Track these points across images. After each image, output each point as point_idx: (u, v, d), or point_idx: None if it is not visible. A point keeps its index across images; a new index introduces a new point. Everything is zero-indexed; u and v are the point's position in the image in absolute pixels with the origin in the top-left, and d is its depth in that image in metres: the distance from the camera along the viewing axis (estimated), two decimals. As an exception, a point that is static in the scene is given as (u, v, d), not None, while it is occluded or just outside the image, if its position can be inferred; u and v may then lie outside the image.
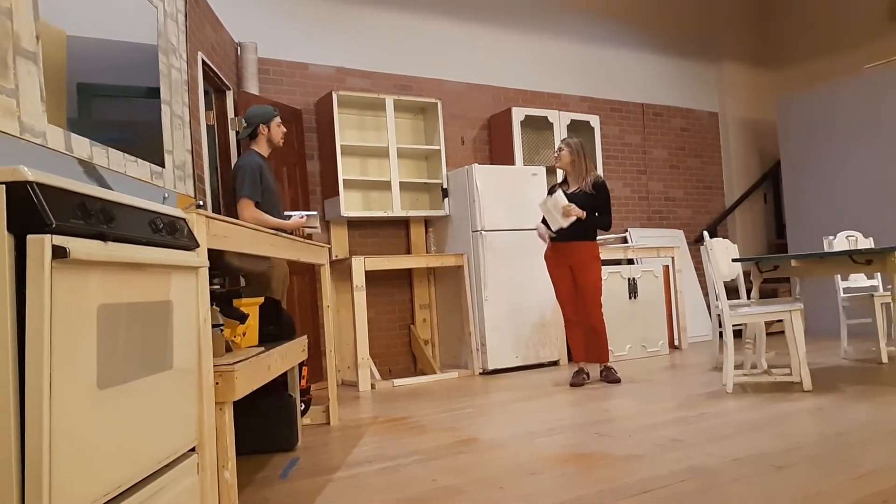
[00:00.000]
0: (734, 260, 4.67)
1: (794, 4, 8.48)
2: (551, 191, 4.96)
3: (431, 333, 6.11)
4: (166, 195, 2.79)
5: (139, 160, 2.60)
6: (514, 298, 5.74)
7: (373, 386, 5.26)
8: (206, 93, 4.44)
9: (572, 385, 4.75)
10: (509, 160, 6.30)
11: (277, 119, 4.18)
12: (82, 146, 2.20)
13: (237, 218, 3.95)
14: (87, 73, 2.39)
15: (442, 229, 6.05)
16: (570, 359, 6.02)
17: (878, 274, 5.30)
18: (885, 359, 4.94)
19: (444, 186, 5.92)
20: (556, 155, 4.93)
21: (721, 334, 4.93)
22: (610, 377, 4.81)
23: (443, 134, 5.98)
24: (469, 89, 6.55)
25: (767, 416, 3.41)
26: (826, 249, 5.18)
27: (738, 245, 6.36)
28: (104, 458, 1.31)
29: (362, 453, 3.15)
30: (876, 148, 6.68)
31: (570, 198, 4.73)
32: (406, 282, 6.09)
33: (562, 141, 4.94)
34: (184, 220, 1.84)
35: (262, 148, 4.15)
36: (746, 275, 5.20)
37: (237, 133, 4.90)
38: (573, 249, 4.80)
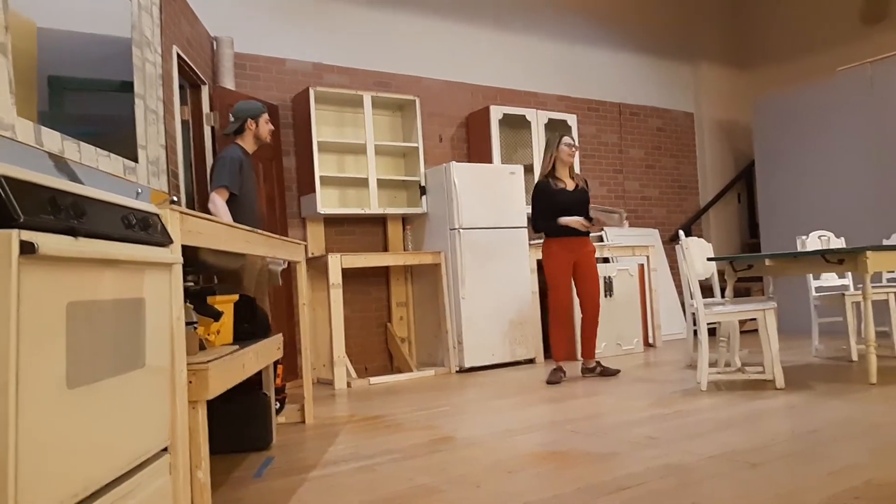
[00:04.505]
0: (709, 259, 4.71)
1: (769, 7, 8.58)
2: (544, 186, 4.90)
3: (408, 331, 6.10)
4: (139, 191, 2.75)
5: (112, 155, 2.55)
6: (491, 297, 5.74)
7: (348, 384, 5.23)
8: (181, 87, 4.38)
9: (549, 383, 4.76)
10: (487, 158, 6.30)
11: (266, 115, 4.21)
12: (53, 140, 2.15)
13: (208, 208, 3.94)
14: (59, 66, 2.34)
15: (419, 227, 6.04)
16: (546, 356, 6.05)
17: (849, 273, 5.38)
18: (855, 357, 5.02)
19: (422, 184, 5.90)
20: (572, 150, 4.93)
21: (695, 332, 4.97)
22: (608, 371, 4.95)
23: (421, 131, 5.96)
24: (447, 87, 6.54)
25: (741, 413, 3.44)
26: (799, 249, 5.25)
27: (712, 244, 6.42)
28: (73, 458, 1.28)
29: (338, 452, 3.13)
30: (848, 149, 6.78)
31: (577, 194, 4.88)
32: (383, 280, 6.06)
33: (570, 138, 4.98)
34: (157, 215, 1.80)
35: (247, 144, 4.16)
36: (721, 274, 5.25)
37: (213, 128, 4.85)
38: (581, 244, 4.90)
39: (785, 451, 2.68)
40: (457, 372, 5.62)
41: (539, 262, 6.14)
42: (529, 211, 4.98)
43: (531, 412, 3.82)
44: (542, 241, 6.34)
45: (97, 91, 2.67)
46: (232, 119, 4.18)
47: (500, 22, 6.93)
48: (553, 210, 4.86)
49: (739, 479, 2.36)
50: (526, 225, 5.97)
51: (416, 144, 5.92)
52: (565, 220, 4.80)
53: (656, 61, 8.16)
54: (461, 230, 5.63)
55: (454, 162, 5.74)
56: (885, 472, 2.33)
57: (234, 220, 3.99)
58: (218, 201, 3.93)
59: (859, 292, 4.91)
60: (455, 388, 4.84)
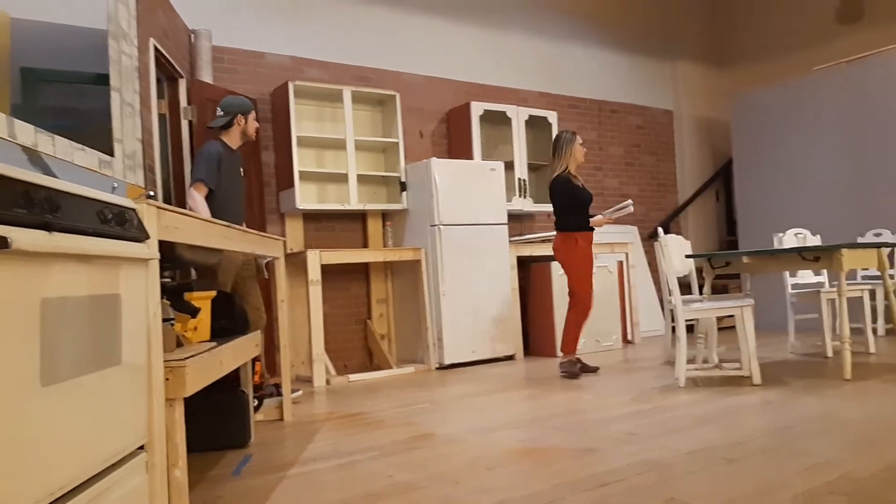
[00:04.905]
0: (687, 256, 4.75)
1: (748, 6, 8.65)
2: (569, 182, 4.93)
3: (388, 328, 6.08)
4: (115, 185, 2.70)
5: (87, 148, 2.51)
6: (472, 293, 5.74)
7: (328, 381, 5.21)
8: (157, 80, 4.32)
9: (572, 376, 4.79)
10: (468, 154, 6.29)
11: (254, 112, 4.26)
12: (26, 133, 2.11)
13: (186, 203, 3.94)
14: (33, 58, 2.30)
15: (400, 223, 6.02)
16: (526, 353, 6.06)
17: (825, 270, 5.44)
18: (830, 353, 5.09)
19: (402, 180, 5.89)
20: (586, 150, 5.07)
21: (674, 329, 5.01)
22: (588, 368, 4.99)
23: (401, 127, 5.94)
24: (428, 82, 6.52)
25: (718, 409, 3.47)
26: (776, 246, 5.30)
27: (690, 241, 6.47)
28: (48, 457, 1.25)
29: (317, 449, 3.12)
30: (824, 148, 6.86)
31: (588, 192, 4.98)
32: (363, 276, 6.04)
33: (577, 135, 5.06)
34: (133, 210, 1.78)
35: (232, 139, 4.19)
36: (699, 271, 5.29)
37: (190, 122, 4.80)
38: (592, 239, 5.00)
39: (761, 447, 2.70)
40: (437, 369, 5.61)
41: (520, 259, 6.16)
42: (552, 206, 5.01)
43: (511, 409, 3.83)
44: (521, 237, 6.37)
45: (72, 83, 2.62)
46: (221, 113, 4.15)
47: (482, 18, 6.92)
48: (579, 206, 4.90)
49: (717, 474, 2.38)
50: (506, 221, 5.97)
51: (396, 140, 5.90)
52: (597, 220, 4.92)
53: (636, 59, 8.20)
54: (441, 226, 5.62)
55: (434, 158, 5.72)
56: (859, 467, 2.36)
57: (213, 216, 3.97)
58: (196, 196, 3.91)
59: (834, 289, 4.98)
60: (435, 385, 4.83)
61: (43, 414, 1.25)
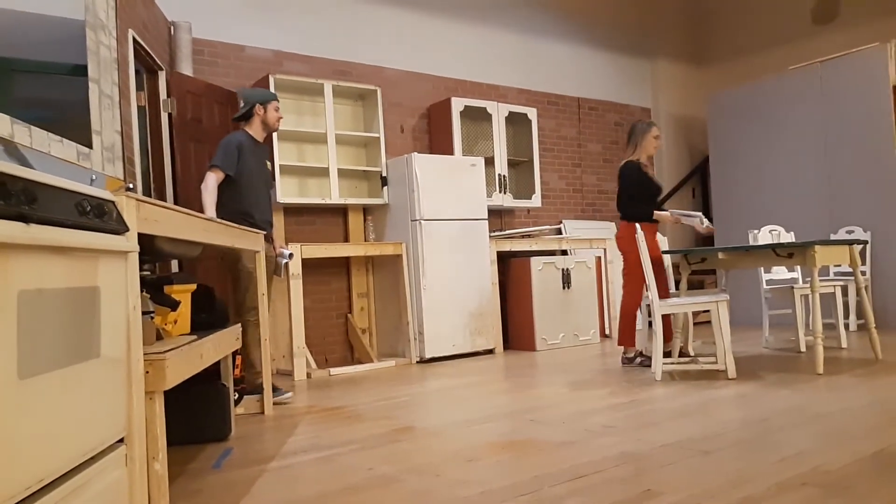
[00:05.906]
0: (664, 252, 4.79)
1: (726, 5, 8.74)
2: (639, 169, 4.82)
3: (369, 322, 6.08)
4: (94, 177, 2.68)
5: (65, 140, 2.49)
6: (452, 287, 5.76)
7: (308, 375, 5.20)
8: (137, 72, 4.28)
9: (644, 366, 4.75)
10: (448, 150, 6.30)
11: (276, 102, 4.27)
12: (3, 123, 2.09)
13: (165, 195, 3.97)
14: (9, 48, 2.27)
15: (381, 218, 6.02)
16: (506, 347, 6.08)
17: (798, 266, 5.53)
18: (803, 348, 5.17)
19: (384, 174, 5.88)
20: (660, 143, 4.98)
21: (650, 324, 5.06)
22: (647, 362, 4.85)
23: (382, 121, 5.93)
24: (409, 77, 6.51)
25: (694, 403, 3.52)
26: (751, 243, 5.38)
27: (667, 237, 6.53)
28: (25, 450, 1.25)
29: (297, 443, 3.12)
30: (798, 146, 6.95)
31: (658, 184, 4.90)
32: (344, 270, 6.03)
33: (657, 128, 4.93)
34: (113, 202, 1.77)
35: (255, 130, 4.25)
36: (675, 266, 5.35)
37: (170, 115, 4.76)
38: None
39: (736, 439, 2.75)
40: (417, 363, 5.62)
41: (500, 254, 6.18)
42: (619, 191, 4.85)
43: (491, 402, 3.85)
44: (501, 232, 6.39)
45: (49, 74, 2.59)
46: (241, 104, 4.26)
47: (463, 13, 6.93)
48: (646, 195, 4.80)
49: (692, 466, 2.42)
50: (486, 217, 5.99)
51: (377, 134, 5.89)
52: (663, 214, 4.79)
53: (615, 57, 8.25)
54: (422, 221, 5.62)
55: (416, 153, 5.73)
56: (831, 459, 2.41)
57: (228, 205, 4.01)
58: (209, 180, 4.03)
59: (808, 285, 5.05)
60: (415, 379, 4.85)
61: (20, 407, 1.24)
